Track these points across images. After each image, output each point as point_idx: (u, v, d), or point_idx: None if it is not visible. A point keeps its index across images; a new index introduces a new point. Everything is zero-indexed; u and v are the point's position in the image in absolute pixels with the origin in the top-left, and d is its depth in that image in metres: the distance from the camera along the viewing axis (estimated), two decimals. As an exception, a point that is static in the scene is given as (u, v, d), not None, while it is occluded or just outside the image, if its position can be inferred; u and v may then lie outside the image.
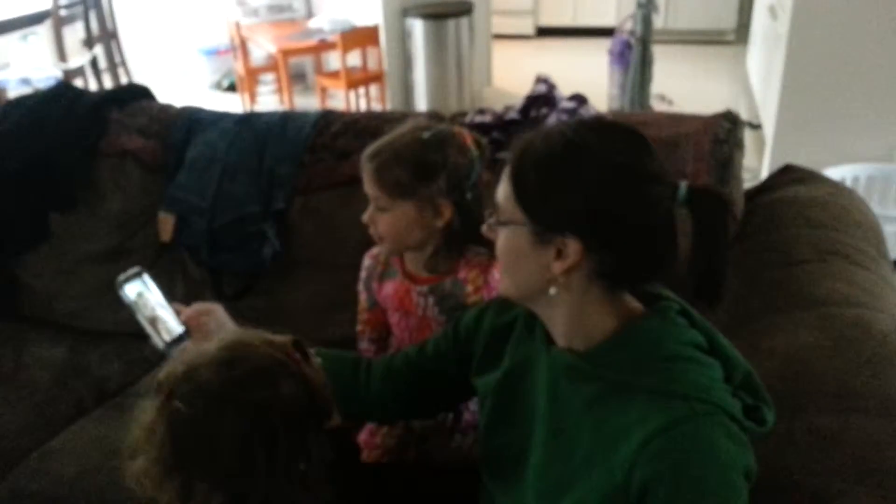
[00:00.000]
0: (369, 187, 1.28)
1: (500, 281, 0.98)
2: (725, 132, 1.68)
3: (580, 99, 1.82)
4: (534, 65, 6.89)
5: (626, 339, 0.88)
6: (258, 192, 1.88)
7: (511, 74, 6.27)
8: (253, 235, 1.87)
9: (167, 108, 2.14)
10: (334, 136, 1.91)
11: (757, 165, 3.93)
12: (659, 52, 4.69)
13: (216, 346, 0.93)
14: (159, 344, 1.12)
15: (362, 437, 1.41)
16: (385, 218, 1.28)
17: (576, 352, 0.91)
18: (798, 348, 1.19)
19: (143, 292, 1.11)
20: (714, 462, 0.79)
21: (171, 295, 1.97)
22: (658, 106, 5.16)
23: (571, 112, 1.77)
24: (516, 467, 0.97)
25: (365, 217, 1.31)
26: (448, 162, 1.25)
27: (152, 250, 2.03)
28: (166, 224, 1.98)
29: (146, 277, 1.13)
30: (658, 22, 4.62)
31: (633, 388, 0.84)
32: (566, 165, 0.85)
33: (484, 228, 0.95)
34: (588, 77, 5.55)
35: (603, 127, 0.89)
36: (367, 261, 1.48)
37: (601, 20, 7.29)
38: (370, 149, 1.29)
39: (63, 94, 2.17)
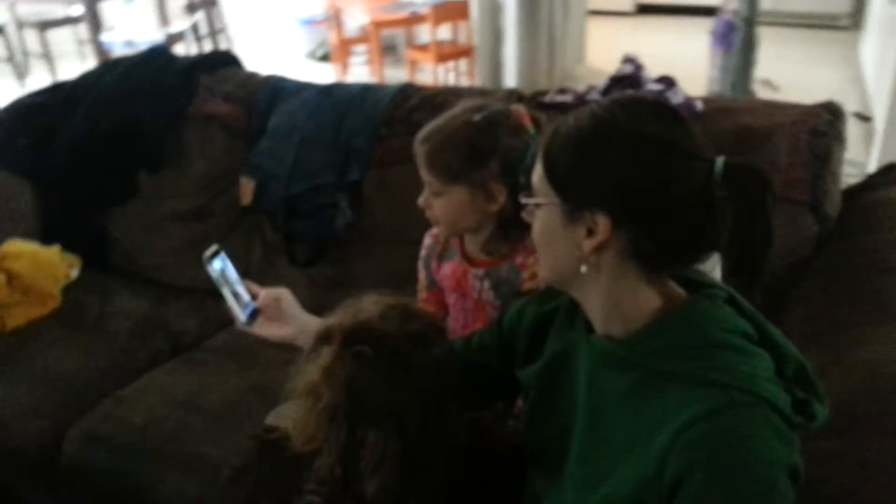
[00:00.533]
0: (422, 172, 1.26)
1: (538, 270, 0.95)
2: (825, 124, 1.57)
3: (668, 81, 1.73)
4: (631, 43, 6.66)
5: (666, 325, 0.84)
6: (334, 163, 1.90)
7: (606, 52, 6.08)
8: (326, 205, 1.89)
9: (253, 76, 2.19)
10: (410, 110, 1.90)
11: (864, 160, 3.68)
12: (766, 35, 4.45)
13: (379, 304, 0.98)
14: (241, 317, 1.17)
15: None
16: (439, 202, 1.26)
17: (614, 339, 0.88)
18: (886, 364, 1.10)
19: (225, 268, 1.16)
20: (753, 456, 0.74)
21: (248, 257, 2.06)
22: (762, 91, 4.90)
23: (658, 95, 1.69)
24: (557, 458, 0.96)
25: (420, 200, 1.29)
26: (500, 145, 1.21)
27: (233, 213, 2.09)
28: (247, 188, 2.03)
29: (224, 254, 1.18)
30: (766, 3, 4.37)
31: (671, 376, 0.81)
32: (593, 140, 0.83)
33: (523, 212, 0.93)
34: (688, 58, 5.33)
35: (633, 102, 0.86)
36: (427, 240, 1.47)
37: (705, -2, 6.97)
38: (422, 132, 1.27)
39: (156, 59, 2.24)
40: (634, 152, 0.81)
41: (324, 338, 0.98)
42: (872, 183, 1.65)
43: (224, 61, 2.29)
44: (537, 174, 0.89)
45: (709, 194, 0.80)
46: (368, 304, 1.00)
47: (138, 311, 1.94)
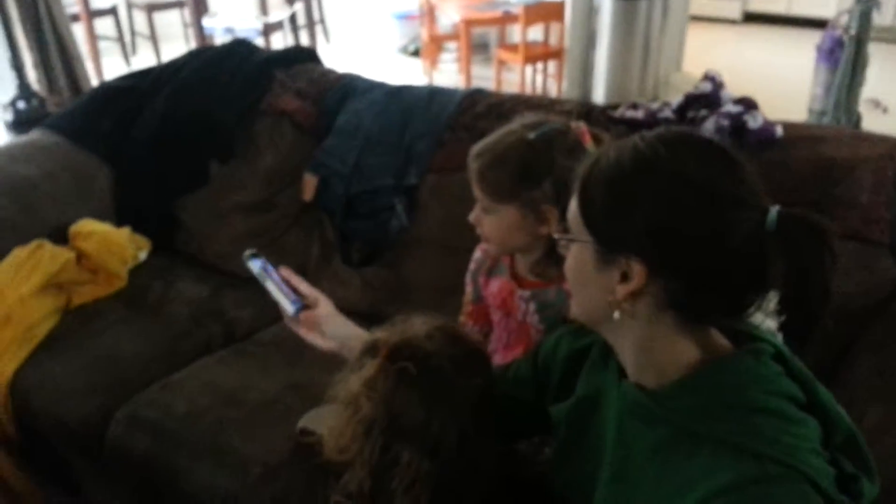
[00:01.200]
0: (474, 188, 1.24)
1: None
2: (916, 160, 1.43)
3: (748, 102, 1.63)
4: (733, 52, 6.39)
5: (702, 380, 0.78)
6: (393, 166, 1.89)
7: (706, 61, 5.79)
8: (383, 208, 1.88)
9: (327, 73, 2.20)
10: (476, 116, 1.86)
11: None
12: (879, 52, 4.16)
13: (427, 325, 0.99)
14: (288, 308, 1.20)
15: None
16: (489, 220, 1.23)
17: (646, 388, 0.82)
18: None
19: (267, 268, 1.20)
20: None
21: (307, 253, 2.09)
22: (869, 112, 4.60)
23: (735, 117, 1.59)
24: (580, 503, 0.91)
25: (472, 217, 1.27)
26: (555, 166, 1.16)
27: (295, 208, 2.12)
28: (309, 185, 2.05)
29: (263, 258, 1.23)
30: (882, 19, 4.08)
31: (702, 437, 0.75)
32: (631, 179, 0.77)
33: (558, 246, 0.89)
34: (792, 72, 5.05)
35: (681, 139, 0.79)
36: (477, 253, 1.44)
37: (819, 10, 6.58)
38: (476, 147, 1.24)
39: (238, 51, 2.29)
40: (675, 197, 0.75)
41: (370, 350, 0.98)
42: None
43: (303, 57, 2.32)
44: (572, 209, 0.84)
45: (758, 247, 0.74)
46: (416, 324, 1.00)
47: (198, 298, 1.99)
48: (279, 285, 1.20)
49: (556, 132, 1.18)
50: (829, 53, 4.30)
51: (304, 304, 1.21)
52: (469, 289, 1.45)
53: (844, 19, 4.10)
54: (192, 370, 1.72)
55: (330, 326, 1.20)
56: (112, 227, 2.05)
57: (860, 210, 1.40)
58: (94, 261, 1.93)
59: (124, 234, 2.04)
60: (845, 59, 4.13)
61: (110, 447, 1.57)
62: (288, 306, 1.19)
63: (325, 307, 1.22)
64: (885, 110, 4.90)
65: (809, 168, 1.47)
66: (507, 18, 5.07)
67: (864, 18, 3.95)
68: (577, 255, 0.84)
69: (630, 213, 0.77)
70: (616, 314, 0.80)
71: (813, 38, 5.98)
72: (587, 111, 1.81)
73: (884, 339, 1.30)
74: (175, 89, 2.20)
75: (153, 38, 5.81)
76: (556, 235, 0.89)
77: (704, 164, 0.76)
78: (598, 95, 5.02)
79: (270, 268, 1.21)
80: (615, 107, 1.80)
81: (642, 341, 0.81)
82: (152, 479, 1.52)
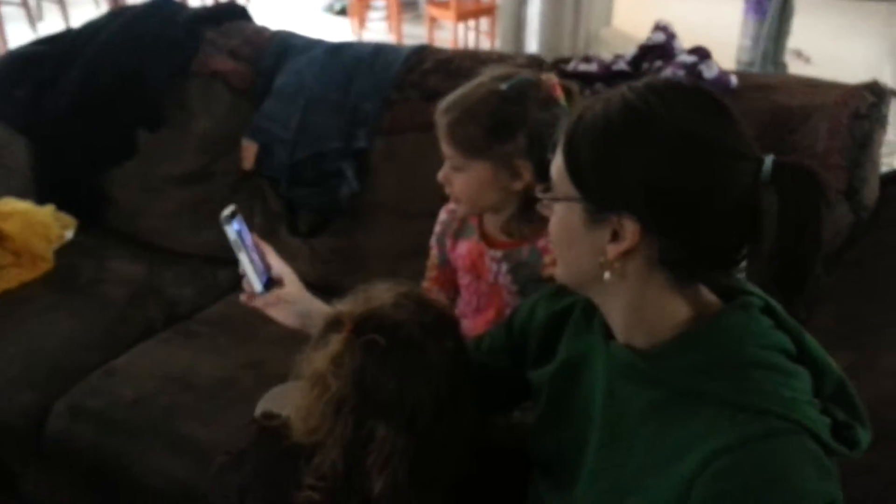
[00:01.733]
0: (443, 144, 1.17)
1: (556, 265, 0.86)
2: (867, 106, 1.44)
3: (702, 53, 1.61)
4: (660, 6, 6.41)
5: (696, 338, 0.75)
6: (340, 128, 1.79)
7: (634, 15, 5.85)
8: (331, 173, 1.79)
9: (261, 31, 2.07)
10: (425, 74, 1.78)
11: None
12: (800, 4, 4.25)
13: (392, 292, 0.93)
14: (257, 286, 1.10)
15: None
16: (459, 177, 1.17)
17: (636, 349, 0.79)
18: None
19: (243, 231, 1.08)
20: (790, 491, 0.66)
21: (249, 225, 1.97)
22: (793, 63, 4.72)
23: (690, 67, 1.57)
24: (568, 470, 0.88)
25: (440, 175, 1.21)
26: (528, 118, 1.11)
27: (234, 177, 2.00)
28: (249, 152, 1.94)
29: (240, 217, 1.09)
30: (804, -30, 4.16)
31: (700, 396, 0.72)
32: (623, 134, 0.73)
33: (539, 205, 0.84)
34: (718, 24, 5.11)
35: (672, 90, 0.74)
36: (442, 215, 1.38)
37: (741, -38, 6.70)
38: (444, 103, 1.17)
39: (162, 9, 2.13)
40: (671, 150, 0.71)
41: (333, 325, 0.92)
42: (915, 171, 1.54)
43: (233, 14, 2.18)
44: (556, 165, 0.79)
45: (753, 198, 0.71)
46: (380, 292, 0.94)
47: (134, 277, 1.87)
48: (252, 258, 1.08)
49: (528, 83, 1.13)
50: (757, 4, 4.38)
51: (272, 280, 1.12)
52: (434, 252, 1.39)
53: (771, -30, 4.16)
54: (134, 355, 1.62)
55: (297, 305, 1.13)
56: (33, 205, 1.90)
57: (817, 157, 1.40)
58: (17, 243, 1.78)
59: (48, 212, 1.90)
60: (773, 9, 4.21)
61: (51, 441, 1.46)
62: (257, 285, 1.09)
63: (293, 285, 1.14)
64: (807, 60, 5.03)
65: (766, 117, 1.46)
66: (437, -26, 4.95)
67: (791, -32, 4.02)
68: (564, 214, 0.79)
69: (623, 169, 0.73)
70: (607, 275, 0.76)
71: (736, -10, 6.11)
72: (538, 65, 1.75)
73: (842, 287, 1.31)
74: (95, 53, 2.03)
75: (61, 2, 5.43)
76: (539, 195, 0.83)
77: (700, 114, 0.72)
78: (532, 51, 4.99)
79: (247, 234, 1.09)
80: (567, 60, 1.75)
81: (633, 301, 0.78)
82: (101, 472, 1.42)
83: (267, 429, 1.03)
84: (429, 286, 1.42)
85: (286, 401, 1.06)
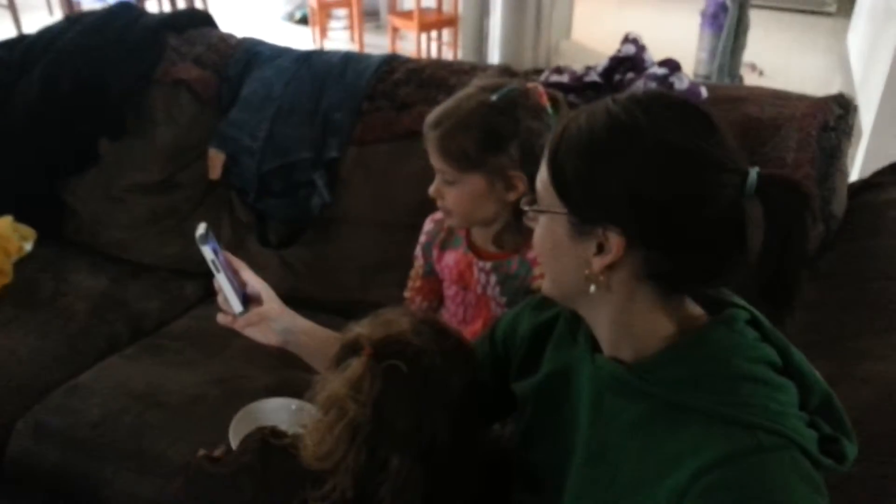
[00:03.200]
0: (434, 159, 1.15)
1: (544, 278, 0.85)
2: (835, 118, 1.48)
3: (672, 65, 1.63)
4: (618, 19, 6.55)
5: (683, 352, 0.75)
6: (310, 139, 1.77)
7: (592, 28, 5.96)
8: (302, 184, 1.76)
9: (227, 38, 2.03)
10: (396, 84, 1.77)
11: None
12: (752, 18, 4.36)
13: (409, 318, 0.91)
14: (236, 307, 1.06)
15: None
16: (452, 191, 1.15)
17: (623, 362, 0.79)
18: (897, 379, 1.03)
19: (218, 250, 1.04)
20: None
21: (216, 236, 1.92)
22: (748, 75, 4.84)
23: (661, 79, 1.59)
24: (553, 484, 0.87)
25: (431, 190, 1.18)
26: (520, 128, 1.10)
27: (200, 187, 1.96)
28: (216, 161, 1.90)
29: (212, 234, 1.05)
30: (756, -15, 4.27)
31: (687, 409, 0.72)
32: (608, 146, 0.72)
33: (525, 218, 0.84)
34: (675, 37, 5.22)
35: (657, 102, 0.74)
36: (428, 225, 1.36)
37: (695, -23, 6.86)
38: (432, 116, 1.15)
39: (123, 15, 2.07)
40: (655, 163, 0.70)
41: (351, 348, 0.89)
42: (879, 182, 1.57)
43: (196, 21, 2.13)
44: (541, 178, 0.79)
45: (739, 211, 0.70)
46: (397, 316, 0.92)
47: (96, 290, 1.81)
48: (230, 279, 1.05)
49: (517, 93, 1.12)
50: (714, 18, 4.48)
51: (248, 298, 1.09)
52: (419, 263, 1.37)
53: (727, -15, 4.26)
54: (98, 371, 1.56)
55: (278, 323, 1.09)
56: (-10, 216, 1.82)
57: (788, 169, 1.42)
58: (-28, 255, 1.71)
59: (6, 223, 1.83)
60: (729, 23, 4.30)
61: (12, 462, 1.40)
62: (237, 306, 1.06)
63: (271, 301, 1.10)
64: (760, 73, 5.17)
65: (737, 128, 1.48)
66: (400, -16, 4.95)
67: (747, -17, 4.12)
68: (549, 227, 0.79)
69: (608, 182, 0.72)
70: (592, 288, 0.76)
71: (691, 3, 6.23)
72: (510, 76, 1.75)
73: (816, 295, 1.33)
74: (53, 60, 1.96)
75: (12, 7, 5.27)
76: (524, 207, 0.83)
77: (685, 127, 0.72)
78: (494, 63, 5.02)
79: (221, 255, 1.05)
80: (538, 71, 1.76)
81: (619, 314, 0.78)
82: (66, 494, 1.36)
83: (271, 446, 0.98)
84: (411, 296, 1.40)
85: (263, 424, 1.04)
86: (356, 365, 0.86)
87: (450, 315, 1.33)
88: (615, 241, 0.72)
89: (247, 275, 1.10)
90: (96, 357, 1.61)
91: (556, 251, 0.79)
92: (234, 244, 1.91)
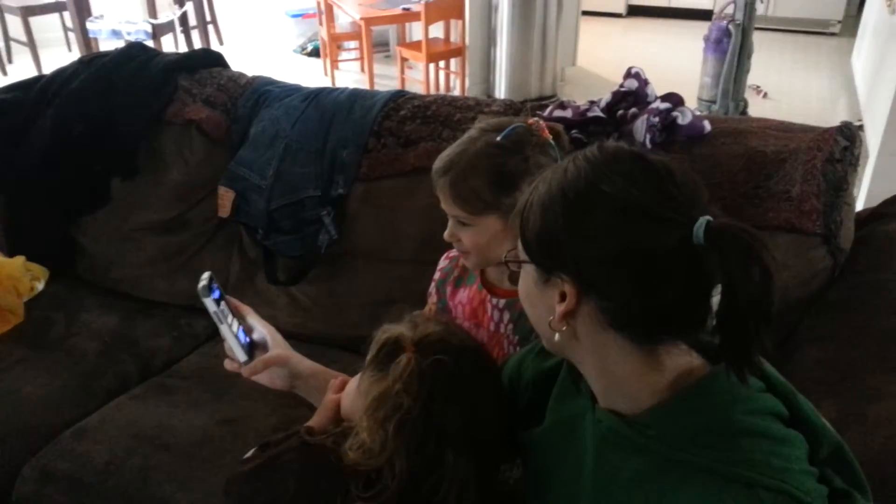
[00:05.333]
0: (446, 205, 1.15)
1: None
2: (840, 150, 1.47)
3: (675, 99, 1.64)
4: (622, 46, 6.59)
5: (681, 405, 0.74)
6: (319, 176, 1.78)
7: (597, 55, 5.99)
8: (310, 220, 1.78)
9: (236, 78, 2.06)
10: (402, 120, 1.79)
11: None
12: (756, 40, 4.37)
13: (436, 322, 0.95)
14: (241, 357, 1.08)
15: None
16: (468, 233, 1.15)
17: (620, 414, 0.78)
18: (912, 420, 1.02)
19: (221, 299, 1.06)
20: None
21: (226, 273, 1.95)
22: (752, 98, 4.84)
23: (664, 114, 1.59)
24: None
25: (446, 235, 1.18)
26: (530, 164, 1.10)
27: (210, 224, 1.98)
28: (225, 199, 1.91)
29: (217, 284, 1.07)
30: (758, 8, 4.29)
31: (688, 466, 0.71)
32: (557, 201, 0.75)
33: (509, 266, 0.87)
34: (679, 63, 5.25)
35: (605, 156, 0.76)
36: (443, 262, 1.37)
37: (698, 2, 6.91)
38: (439, 163, 1.15)
39: (135, 56, 2.11)
40: (595, 218, 0.72)
41: (390, 348, 0.91)
42: (886, 212, 1.57)
43: (208, 61, 2.16)
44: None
45: (688, 259, 0.69)
46: (424, 320, 0.96)
47: (106, 329, 1.83)
48: (232, 327, 1.06)
49: (523, 130, 1.12)
50: (717, 44, 4.48)
51: (254, 344, 1.10)
52: (433, 300, 1.37)
53: (730, 9, 4.28)
54: (107, 412, 1.56)
55: (284, 369, 1.10)
56: (2, 256, 1.84)
57: (793, 202, 1.42)
58: (-15, 296, 1.73)
59: (18, 263, 1.85)
60: (732, 48, 4.31)
61: (20, 507, 1.40)
62: (241, 356, 1.07)
63: (277, 346, 1.11)
64: (764, 95, 5.18)
65: (741, 162, 1.49)
66: (408, 16, 5.01)
67: (750, 8, 4.13)
68: (524, 275, 0.82)
69: (555, 236, 0.75)
70: (556, 336, 0.78)
71: (693, 28, 6.27)
72: (515, 111, 1.77)
73: (825, 330, 1.32)
74: (67, 101, 2.00)
75: (31, 45, 5.36)
76: (503, 258, 0.86)
77: (625, 180, 0.72)
78: (500, 91, 5.05)
79: (224, 305, 1.06)
80: (542, 107, 1.77)
81: (598, 364, 0.78)
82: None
83: (313, 444, 0.97)
84: None
85: None
86: (405, 361, 0.88)
87: None
88: (570, 290, 0.74)
89: (252, 320, 1.11)
90: (105, 397, 1.61)
91: (530, 299, 0.82)
92: (243, 281, 1.92)
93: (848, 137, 1.51)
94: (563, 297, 0.75)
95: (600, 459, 0.81)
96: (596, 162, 0.75)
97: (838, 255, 1.42)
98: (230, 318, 1.06)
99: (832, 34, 6.62)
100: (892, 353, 1.17)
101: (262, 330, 1.11)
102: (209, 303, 1.02)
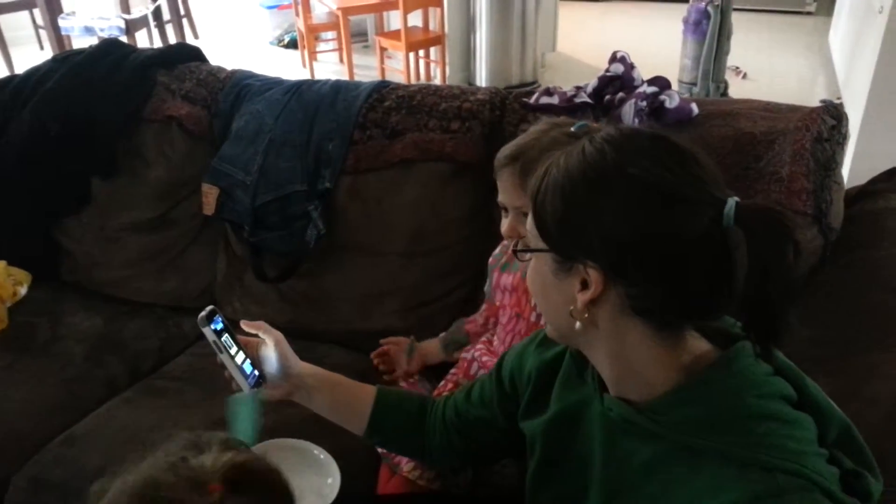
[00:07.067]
0: (512, 195, 1.13)
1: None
2: (828, 129, 1.48)
3: (662, 83, 1.63)
4: (600, 30, 6.58)
5: (693, 392, 0.73)
6: (304, 170, 1.75)
7: (576, 40, 5.98)
8: (297, 216, 1.75)
9: (216, 73, 2.02)
10: (387, 111, 1.76)
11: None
12: (734, 21, 4.38)
13: (126, 489, 0.73)
14: (245, 388, 1.06)
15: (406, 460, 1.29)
16: None
17: (632, 403, 0.77)
18: (910, 397, 1.02)
19: (224, 331, 1.04)
20: None
21: (211, 271, 1.93)
22: (731, 79, 4.85)
23: (651, 98, 1.58)
24: None
25: (505, 229, 1.16)
26: None
27: (196, 222, 1.95)
28: (210, 196, 1.88)
29: (221, 316, 1.05)
30: (734, -11, 4.29)
31: (702, 452, 0.70)
32: (581, 185, 0.73)
33: (518, 257, 0.85)
34: (658, 46, 5.25)
35: (628, 139, 0.75)
36: (497, 249, 1.39)
37: (676, -16, 6.91)
38: (506, 151, 1.13)
39: (111, 53, 2.06)
40: (623, 200, 0.70)
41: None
42: (875, 189, 1.57)
43: (186, 56, 2.12)
44: (529, 220, 0.80)
45: (717, 242, 0.69)
46: (122, 484, 0.75)
47: (93, 332, 1.79)
48: (235, 359, 1.05)
49: (589, 129, 1.09)
50: (696, 25, 4.49)
51: (262, 378, 1.08)
52: (487, 285, 1.41)
53: (708, -8, 4.28)
54: (98, 417, 1.54)
55: (286, 369, 1.09)
56: (-17, 262, 1.80)
57: (783, 182, 1.42)
58: (-33, 303, 1.69)
59: (-1, 269, 1.81)
60: (711, 29, 4.32)
61: (12, 519, 1.38)
62: (245, 387, 1.05)
63: (277, 387, 1.10)
64: (744, 76, 5.19)
65: (730, 144, 1.48)
66: (386, 5, 4.97)
67: (729, -10, 4.14)
68: (537, 266, 0.80)
69: (581, 222, 0.73)
70: (577, 325, 0.76)
71: (669, 11, 6.26)
72: (502, 99, 1.75)
73: (815, 310, 1.32)
74: (43, 100, 1.95)
75: (1, 44, 5.26)
76: (512, 249, 0.85)
77: (652, 162, 0.71)
78: (481, 79, 5.03)
79: (228, 337, 1.05)
80: (529, 93, 1.75)
81: (616, 352, 0.77)
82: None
83: None
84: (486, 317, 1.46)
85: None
86: None
87: (499, 341, 1.33)
88: (595, 277, 0.72)
89: (268, 351, 1.09)
90: (95, 402, 1.58)
91: (544, 290, 0.80)
92: (230, 279, 1.90)
93: (835, 116, 1.51)
94: (584, 285, 0.74)
95: (610, 448, 0.80)
96: (617, 143, 0.73)
97: (829, 235, 1.43)
98: (234, 349, 1.04)
99: (808, 13, 6.65)
100: (886, 331, 1.17)
101: (274, 364, 1.08)
102: (207, 332, 1.01)
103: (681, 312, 0.73)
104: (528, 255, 0.81)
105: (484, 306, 1.49)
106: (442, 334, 1.56)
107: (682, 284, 0.70)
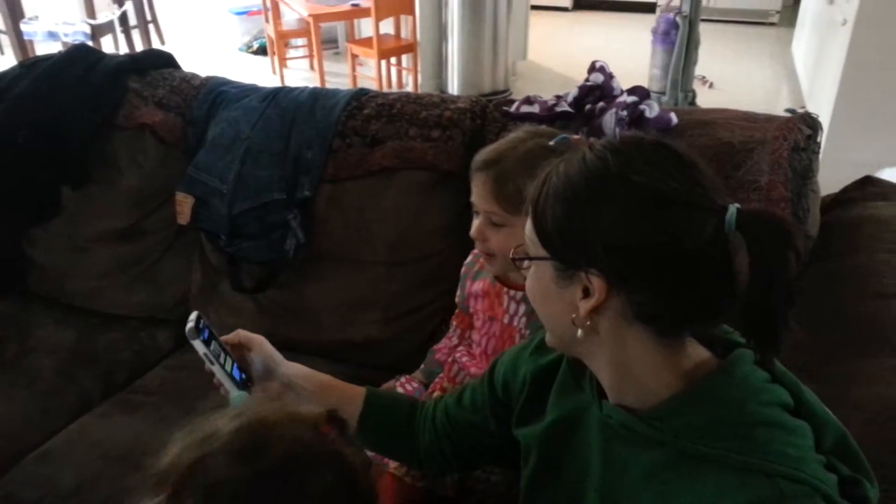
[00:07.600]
0: (483, 200, 1.12)
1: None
2: (805, 139, 1.50)
3: (642, 92, 1.64)
4: (570, 39, 6.66)
5: (694, 399, 0.73)
6: (282, 178, 1.73)
7: (547, 49, 6.04)
8: (276, 225, 1.72)
9: (189, 79, 1.99)
10: (367, 119, 1.75)
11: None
12: (700, 31, 4.46)
13: (231, 427, 0.72)
14: (234, 392, 1.02)
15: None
16: (499, 234, 1.12)
17: (631, 409, 0.77)
18: (893, 403, 1.03)
19: (211, 340, 1.01)
20: None
21: (185, 282, 1.89)
22: (698, 89, 4.93)
23: (631, 108, 1.59)
24: None
25: (473, 231, 1.15)
26: None
27: (169, 232, 1.91)
28: (184, 205, 1.85)
29: (206, 323, 1.02)
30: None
31: (703, 458, 0.70)
32: (582, 193, 0.73)
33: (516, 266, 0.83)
34: (627, 55, 5.31)
35: (629, 146, 0.74)
36: (469, 258, 1.38)
37: (643, -5, 7.02)
38: (482, 156, 1.13)
39: (81, 59, 2.01)
40: (626, 207, 0.70)
41: (156, 483, 0.71)
42: (849, 197, 1.60)
43: (158, 62, 2.08)
44: (527, 228, 0.79)
45: (719, 248, 0.69)
46: (223, 425, 0.74)
47: (63, 345, 1.75)
48: (224, 367, 1.01)
49: (570, 142, 1.08)
50: (665, 35, 4.55)
51: (247, 378, 1.06)
52: (458, 294, 1.39)
53: (677, 1, 4.35)
54: (71, 433, 1.49)
55: (271, 371, 1.07)
56: (-53, 274, 1.74)
57: (762, 191, 1.44)
58: (-70, 317, 1.63)
59: (-36, 281, 1.75)
60: (680, 39, 4.38)
61: (-18, 541, 1.33)
62: (233, 390, 1.03)
63: (287, 375, 1.08)
64: (710, 86, 5.29)
65: (710, 153, 1.50)
66: (357, 12, 4.95)
67: (696, 0, 4.21)
68: (538, 274, 0.79)
69: (583, 229, 0.72)
70: (579, 333, 0.75)
71: (637, 21, 6.36)
72: (482, 107, 1.75)
73: (798, 316, 1.34)
74: (9, 107, 1.90)
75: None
76: (512, 256, 0.83)
77: (654, 168, 0.71)
78: (454, 87, 5.04)
79: (215, 345, 1.02)
80: (509, 102, 1.75)
81: (618, 359, 0.76)
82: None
83: None
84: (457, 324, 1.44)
85: None
86: None
87: (475, 345, 1.33)
88: (598, 285, 0.72)
89: (254, 354, 1.07)
90: (68, 418, 1.54)
91: (545, 297, 0.79)
92: (206, 289, 1.86)
93: (810, 126, 1.53)
94: (586, 293, 0.73)
95: (609, 455, 0.79)
96: (619, 150, 0.73)
97: (807, 243, 1.45)
98: (222, 356, 1.02)
99: (772, 24, 6.81)
100: (867, 337, 1.19)
101: (259, 366, 1.07)
102: (197, 345, 0.98)
103: (684, 318, 0.73)
104: (527, 263, 0.80)
105: (453, 324, 1.46)
106: (421, 367, 1.53)
107: (685, 290, 0.70)
